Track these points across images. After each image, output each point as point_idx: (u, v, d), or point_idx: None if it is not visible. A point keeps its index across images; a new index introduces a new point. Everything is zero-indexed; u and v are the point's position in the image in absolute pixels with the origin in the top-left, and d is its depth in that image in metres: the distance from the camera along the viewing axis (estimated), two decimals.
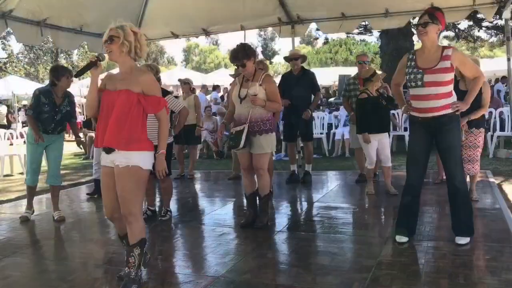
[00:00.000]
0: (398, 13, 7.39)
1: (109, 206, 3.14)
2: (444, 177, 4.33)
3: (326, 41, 35.96)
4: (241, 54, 4.55)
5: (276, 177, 7.13)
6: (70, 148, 14.42)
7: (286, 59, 7.09)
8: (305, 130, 6.86)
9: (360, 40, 38.12)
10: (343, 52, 39.46)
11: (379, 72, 6.14)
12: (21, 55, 32.06)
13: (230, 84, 6.12)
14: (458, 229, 3.89)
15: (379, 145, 5.86)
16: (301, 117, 6.68)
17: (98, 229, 5.22)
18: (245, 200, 5.18)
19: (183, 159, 8.06)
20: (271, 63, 52.28)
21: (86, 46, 27.76)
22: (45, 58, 31.18)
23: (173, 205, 5.82)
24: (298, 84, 6.67)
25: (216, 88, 17.18)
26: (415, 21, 17.60)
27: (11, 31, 6.99)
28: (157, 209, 5.48)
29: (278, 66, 49.73)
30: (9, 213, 5.97)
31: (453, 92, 3.84)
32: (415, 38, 22.05)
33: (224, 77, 22.93)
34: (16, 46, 33.32)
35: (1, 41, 28.25)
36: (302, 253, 3.96)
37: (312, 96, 6.95)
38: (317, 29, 28.37)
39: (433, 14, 3.75)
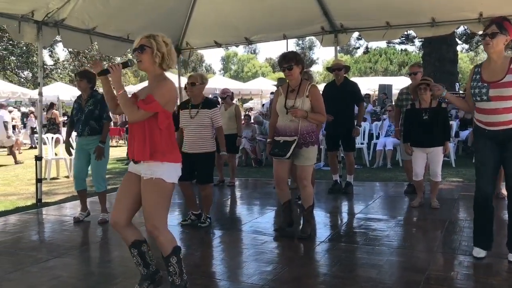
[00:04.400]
0: (444, 22, 7.23)
1: (117, 211, 3.04)
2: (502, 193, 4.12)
3: (366, 51, 35.60)
4: (292, 57, 4.54)
5: (316, 187, 7.06)
6: (113, 153, 14.81)
7: (329, 69, 7.06)
8: (348, 141, 6.82)
9: (401, 49, 37.53)
10: (383, 61, 38.90)
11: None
12: (66, 62, 33.12)
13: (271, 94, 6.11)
14: None
15: (429, 159, 5.74)
16: (343, 127, 6.67)
17: (144, 233, 5.28)
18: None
19: (222, 167, 8.14)
20: None
21: (129, 54, 28.50)
22: (88, 65, 32.17)
23: (214, 212, 5.86)
24: (341, 94, 6.63)
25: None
26: (459, 30, 17.11)
27: (58, 39, 7.29)
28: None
29: (316, 76, 49.56)
30: (55, 215, 6.14)
31: None
32: (458, 48, 21.55)
33: (261, 86, 23.09)
34: (62, 53, 34.46)
35: (49, 49, 29.29)
36: (346, 264, 3.89)
37: (355, 107, 6.92)
38: (358, 38, 28.18)
39: (501, 24, 3.54)
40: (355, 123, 6.84)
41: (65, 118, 18.22)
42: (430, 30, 7.40)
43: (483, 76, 3.65)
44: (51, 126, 14.22)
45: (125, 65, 2.99)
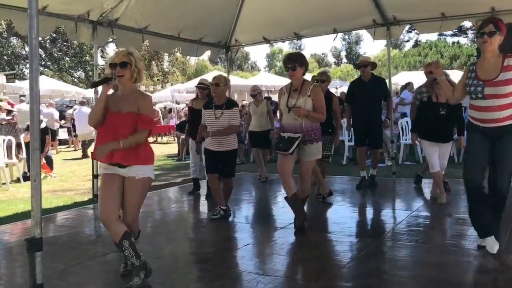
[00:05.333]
0: (505, 11, 6.86)
1: (110, 208, 3.30)
2: None
3: (416, 44, 34.56)
4: (296, 58, 4.72)
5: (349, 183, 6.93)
6: (163, 149, 15.13)
7: (356, 66, 7.08)
8: (376, 138, 6.86)
9: (452, 42, 36.19)
10: (433, 55, 37.63)
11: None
12: None
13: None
14: None
15: (439, 153, 5.74)
16: (371, 124, 6.71)
17: (193, 228, 5.35)
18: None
19: (263, 163, 8.15)
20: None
21: (177, 53, 28.84)
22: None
23: (248, 208, 6.07)
24: (369, 91, 6.66)
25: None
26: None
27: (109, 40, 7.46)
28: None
29: None
30: None
31: None
32: None
33: None
34: (112, 54, 35.48)
35: (100, 49, 30.24)
36: (405, 263, 3.76)
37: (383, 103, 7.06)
38: (408, 31, 27.32)
39: (497, 24, 3.64)
40: (386, 116, 7.01)
41: None
42: None
43: (478, 75, 3.71)
44: None
45: (105, 81, 3.25)
